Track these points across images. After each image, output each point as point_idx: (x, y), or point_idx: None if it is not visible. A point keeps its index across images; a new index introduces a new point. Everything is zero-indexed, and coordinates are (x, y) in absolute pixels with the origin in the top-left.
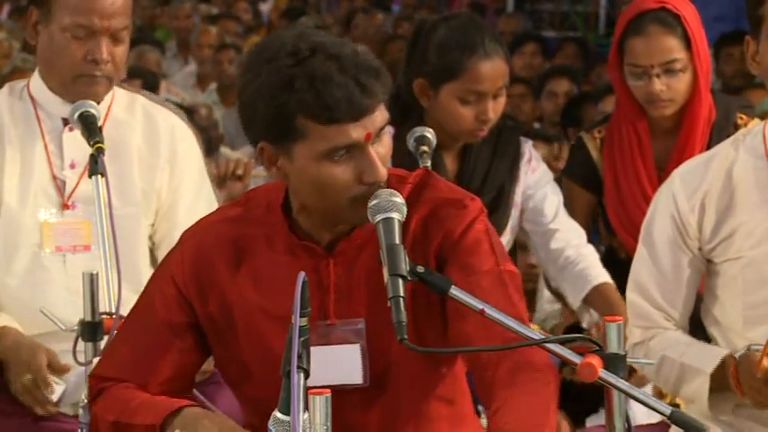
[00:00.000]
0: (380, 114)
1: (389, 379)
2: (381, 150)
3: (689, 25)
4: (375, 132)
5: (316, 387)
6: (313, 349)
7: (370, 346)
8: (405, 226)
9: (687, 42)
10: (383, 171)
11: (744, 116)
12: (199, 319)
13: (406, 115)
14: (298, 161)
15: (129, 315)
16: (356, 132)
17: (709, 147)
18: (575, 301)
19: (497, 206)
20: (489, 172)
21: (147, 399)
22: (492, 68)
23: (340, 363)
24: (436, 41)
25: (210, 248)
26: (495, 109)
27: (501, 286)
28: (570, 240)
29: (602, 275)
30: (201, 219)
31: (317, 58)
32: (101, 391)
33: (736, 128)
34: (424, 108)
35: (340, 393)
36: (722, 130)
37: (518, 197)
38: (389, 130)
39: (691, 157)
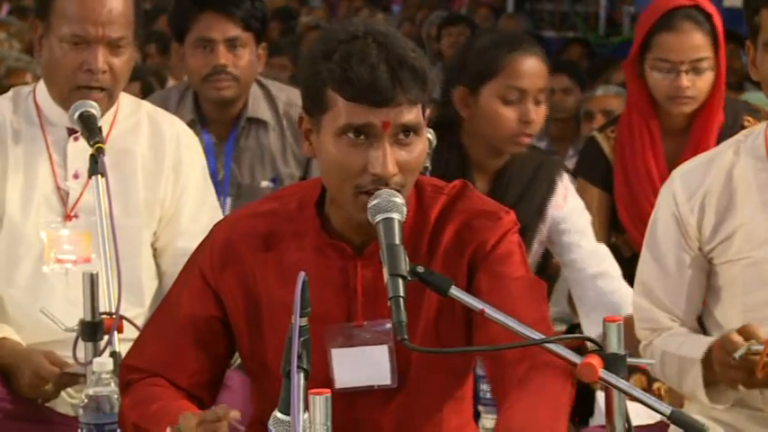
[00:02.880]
0: (410, 113)
1: (409, 381)
2: (405, 155)
3: (717, 26)
4: (396, 126)
5: (344, 389)
6: (341, 351)
7: (395, 347)
8: (439, 235)
9: (715, 42)
10: (391, 168)
11: (750, 119)
12: (226, 312)
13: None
14: (323, 135)
15: (159, 306)
16: (374, 117)
17: None
18: (585, 330)
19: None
20: (520, 201)
21: (164, 406)
22: (533, 65)
23: (369, 364)
24: (477, 47)
25: (239, 241)
26: (537, 112)
27: (530, 293)
28: (587, 269)
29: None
30: (233, 212)
31: (365, 40)
32: (129, 384)
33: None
34: (461, 124)
35: (359, 393)
36: (730, 133)
37: (546, 224)
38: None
39: None
